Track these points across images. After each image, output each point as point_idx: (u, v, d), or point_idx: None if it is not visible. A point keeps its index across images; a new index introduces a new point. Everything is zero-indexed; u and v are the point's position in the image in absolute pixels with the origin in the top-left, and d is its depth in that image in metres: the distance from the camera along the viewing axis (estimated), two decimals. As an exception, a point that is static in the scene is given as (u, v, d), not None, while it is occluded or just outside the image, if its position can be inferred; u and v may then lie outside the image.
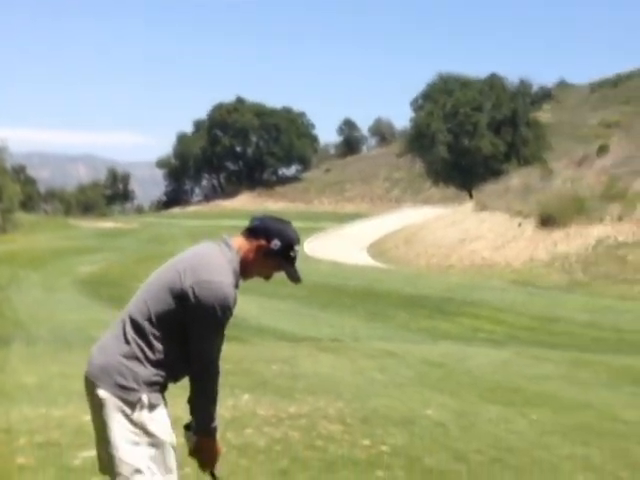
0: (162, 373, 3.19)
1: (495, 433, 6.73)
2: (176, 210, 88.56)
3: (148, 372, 3.15)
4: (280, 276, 3.40)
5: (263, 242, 3.26)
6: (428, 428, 6.75)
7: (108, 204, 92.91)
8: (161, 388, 3.22)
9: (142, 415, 3.14)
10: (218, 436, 3.37)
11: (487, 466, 5.71)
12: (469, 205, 42.62)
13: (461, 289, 23.88)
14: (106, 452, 3.18)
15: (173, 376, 3.26)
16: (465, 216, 39.05)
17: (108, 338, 3.26)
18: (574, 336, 15.44)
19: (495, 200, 36.45)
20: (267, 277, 3.40)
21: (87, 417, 6.22)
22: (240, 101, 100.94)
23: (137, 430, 3.14)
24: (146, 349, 3.15)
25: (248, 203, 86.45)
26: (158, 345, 3.16)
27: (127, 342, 3.17)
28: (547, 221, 29.96)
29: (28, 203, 76.66)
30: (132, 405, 3.13)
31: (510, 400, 8.35)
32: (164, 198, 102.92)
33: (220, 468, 3.45)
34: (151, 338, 3.16)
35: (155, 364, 3.17)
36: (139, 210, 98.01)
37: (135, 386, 3.13)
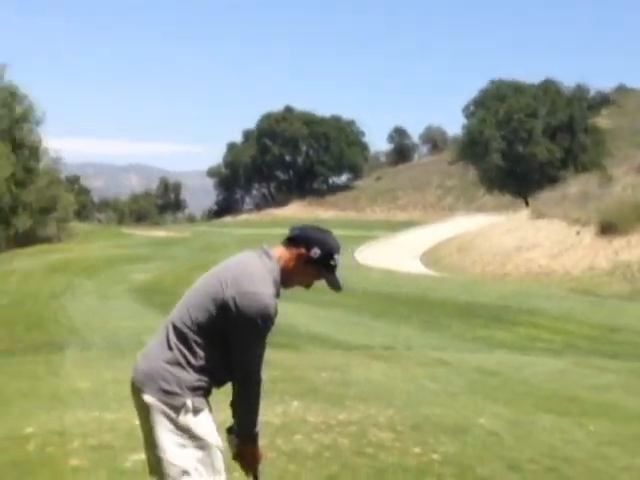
0: (205, 378, 3.23)
1: (550, 442, 6.57)
2: (228, 219, 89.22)
3: (191, 377, 3.20)
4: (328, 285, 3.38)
5: (303, 251, 3.30)
6: (481, 437, 6.62)
7: (160, 213, 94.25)
8: (205, 393, 3.27)
9: (187, 419, 3.19)
10: (262, 442, 3.43)
11: (542, 476, 5.59)
12: (525, 213, 42.08)
13: (518, 297, 23.49)
14: (154, 455, 3.24)
15: (216, 382, 3.30)
16: (521, 224, 38.56)
17: (152, 345, 3.33)
18: (637, 346, 14.95)
19: (552, 208, 35.85)
20: (308, 286, 3.44)
21: (138, 421, 6.30)
22: (289, 110, 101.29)
23: (183, 434, 3.19)
24: (188, 355, 3.20)
25: (299, 212, 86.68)
26: (200, 352, 3.21)
27: (170, 348, 3.23)
28: (607, 229, 29.24)
29: (82, 212, 78.22)
30: (177, 409, 3.18)
31: (567, 410, 8.15)
32: (215, 207, 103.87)
33: (263, 470, 3.49)
34: (193, 345, 3.21)
35: (198, 370, 3.21)
36: (191, 219, 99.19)
37: (179, 391, 3.18)
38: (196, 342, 3.19)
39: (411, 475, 5.45)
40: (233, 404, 3.30)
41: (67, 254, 39.91)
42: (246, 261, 3.29)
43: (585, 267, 28.23)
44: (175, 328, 3.23)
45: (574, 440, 6.72)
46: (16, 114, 54.36)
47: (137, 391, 3.25)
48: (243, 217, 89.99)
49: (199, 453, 3.19)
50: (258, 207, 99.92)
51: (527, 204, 53.13)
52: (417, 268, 36.28)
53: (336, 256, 3.33)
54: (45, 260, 36.32)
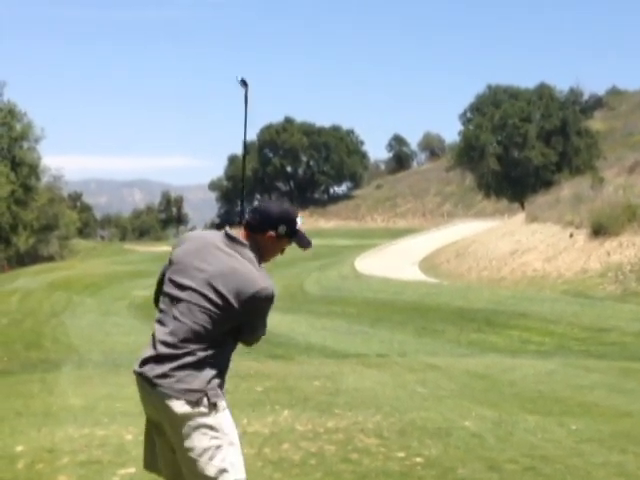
0: (220, 373, 3.41)
1: (531, 442, 6.70)
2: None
3: (208, 374, 3.35)
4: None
5: (272, 233, 3.53)
6: (464, 439, 6.74)
7: (163, 228, 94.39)
8: (222, 386, 3.43)
9: (217, 417, 3.35)
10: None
11: (520, 475, 5.70)
12: (520, 217, 42.27)
13: (511, 301, 23.63)
14: (186, 459, 3.33)
15: (225, 371, 3.48)
16: (516, 228, 38.75)
17: (163, 351, 3.44)
18: (625, 346, 15.12)
19: (546, 211, 36.08)
20: (282, 252, 3.68)
21: (129, 436, 6.37)
22: (288, 121, 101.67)
23: (216, 432, 3.34)
24: (205, 353, 3.35)
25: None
26: (217, 349, 3.39)
27: (184, 350, 3.36)
28: (599, 231, 29.38)
29: (85, 229, 78.42)
30: (203, 407, 3.32)
31: (550, 410, 8.29)
32: (217, 220, 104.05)
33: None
34: (208, 344, 3.37)
35: (213, 366, 3.38)
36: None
37: (199, 387, 3.32)
38: (213, 340, 3.37)
39: (393, 479, 5.57)
40: None
41: (69, 272, 40.07)
42: (240, 266, 3.43)
43: (578, 269, 28.31)
44: (192, 331, 3.36)
45: (554, 439, 6.85)
46: (15, 132, 54.65)
47: (159, 401, 3.34)
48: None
49: (231, 449, 3.35)
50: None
51: (523, 208, 53.34)
52: (415, 275, 36.41)
53: (298, 220, 3.60)
54: (46, 279, 36.47)
